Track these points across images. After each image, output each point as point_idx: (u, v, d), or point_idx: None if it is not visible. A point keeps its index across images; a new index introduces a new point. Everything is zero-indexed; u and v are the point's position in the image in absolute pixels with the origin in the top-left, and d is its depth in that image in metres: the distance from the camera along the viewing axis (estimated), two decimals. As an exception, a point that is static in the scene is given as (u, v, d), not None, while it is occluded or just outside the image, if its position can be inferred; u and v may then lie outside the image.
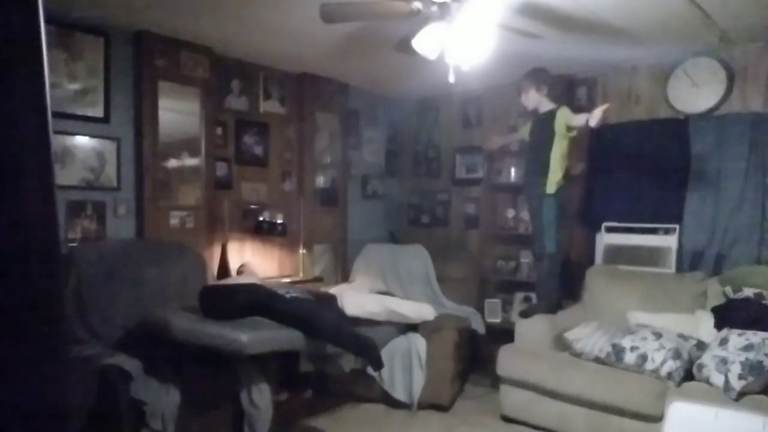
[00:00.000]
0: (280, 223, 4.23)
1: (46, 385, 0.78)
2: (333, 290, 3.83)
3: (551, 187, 3.62)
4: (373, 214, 5.33)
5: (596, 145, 4.25)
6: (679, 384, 2.82)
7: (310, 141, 4.60)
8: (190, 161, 3.83)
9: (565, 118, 3.56)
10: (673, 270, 3.75)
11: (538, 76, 3.75)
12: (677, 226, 3.78)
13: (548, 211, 3.63)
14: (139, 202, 3.59)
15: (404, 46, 2.82)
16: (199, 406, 2.79)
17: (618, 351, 2.99)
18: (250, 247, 4.23)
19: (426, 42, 2.53)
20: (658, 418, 2.74)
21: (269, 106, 4.39)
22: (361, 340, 3.16)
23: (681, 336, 3.09)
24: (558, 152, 3.61)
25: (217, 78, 3.98)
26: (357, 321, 3.43)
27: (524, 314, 3.61)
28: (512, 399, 3.37)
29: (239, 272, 3.84)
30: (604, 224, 4.08)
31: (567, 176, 3.72)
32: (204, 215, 3.89)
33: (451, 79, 2.75)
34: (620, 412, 2.90)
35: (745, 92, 3.63)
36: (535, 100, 3.76)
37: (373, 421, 3.44)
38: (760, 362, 2.62)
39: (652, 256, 3.85)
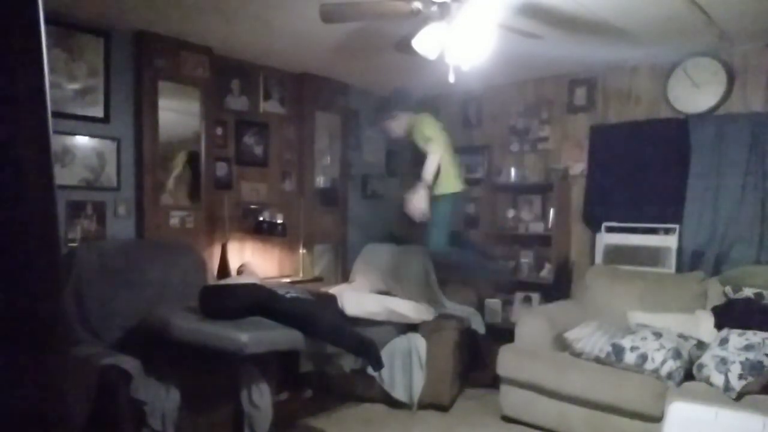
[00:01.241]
0: (280, 223, 4.23)
1: (46, 386, 0.78)
2: (333, 290, 3.83)
3: (439, 188, 3.67)
4: (373, 214, 5.33)
5: (596, 145, 4.25)
6: (679, 384, 2.82)
7: (310, 141, 4.60)
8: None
9: (423, 129, 3.64)
10: (673, 270, 3.75)
11: (407, 98, 3.82)
12: (677, 226, 3.78)
13: (436, 213, 3.68)
14: (139, 202, 3.59)
15: (404, 46, 2.82)
16: (199, 405, 2.79)
17: (618, 351, 2.99)
18: (250, 247, 4.23)
19: (426, 42, 2.53)
20: (658, 418, 2.74)
21: (269, 106, 4.39)
22: (361, 340, 3.16)
23: (681, 336, 3.09)
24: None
25: (217, 78, 3.98)
26: (357, 321, 3.42)
27: None
28: (512, 399, 3.38)
29: (239, 272, 3.84)
30: (604, 224, 4.08)
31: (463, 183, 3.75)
32: (204, 215, 3.89)
33: (451, 79, 2.74)
34: (620, 412, 2.90)
35: (745, 92, 3.63)
36: (404, 124, 3.82)
37: (373, 421, 3.44)
38: (760, 362, 2.62)
39: (652, 256, 3.85)
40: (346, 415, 3.53)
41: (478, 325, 4.31)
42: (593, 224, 4.22)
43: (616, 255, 4.00)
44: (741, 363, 2.63)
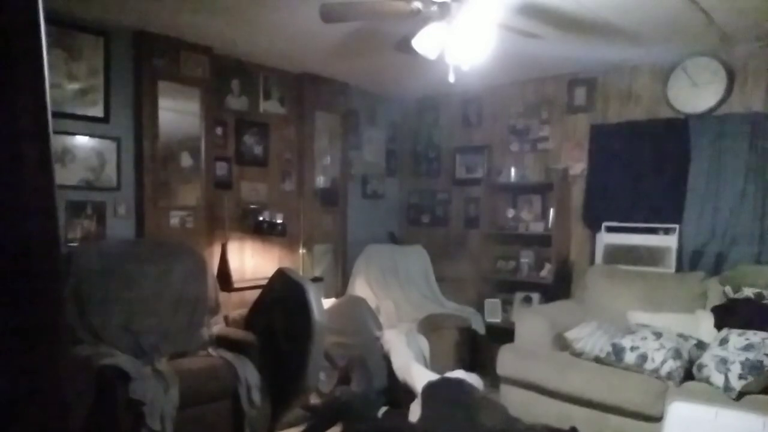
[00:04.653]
0: (280, 223, 4.23)
1: (45, 386, 0.78)
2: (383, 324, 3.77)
3: None
4: (373, 214, 5.33)
5: (596, 145, 4.25)
6: (679, 384, 2.82)
7: (310, 141, 4.59)
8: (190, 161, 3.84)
9: None
10: (673, 270, 3.75)
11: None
12: (677, 226, 3.78)
13: None
14: (139, 202, 3.59)
15: (404, 46, 2.82)
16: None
17: (618, 351, 2.99)
18: (250, 247, 4.23)
19: (426, 42, 2.53)
20: (658, 418, 2.73)
21: (269, 106, 4.39)
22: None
23: (681, 336, 3.09)
24: None
25: (217, 78, 3.98)
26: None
27: None
28: (512, 399, 3.37)
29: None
30: (604, 224, 4.08)
31: None
32: (204, 215, 3.89)
33: (451, 79, 2.75)
34: (620, 412, 2.90)
35: (745, 92, 3.63)
36: None
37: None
38: (760, 362, 2.62)
39: (652, 256, 3.85)
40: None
41: (478, 325, 4.31)
42: (593, 224, 4.22)
43: (616, 255, 3.99)
44: (741, 363, 2.63)
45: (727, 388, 2.61)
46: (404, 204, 5.62)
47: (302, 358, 2.92)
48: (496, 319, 4.48)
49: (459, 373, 3.27)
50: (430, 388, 2.98)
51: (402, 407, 3.19)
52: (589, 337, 3.15)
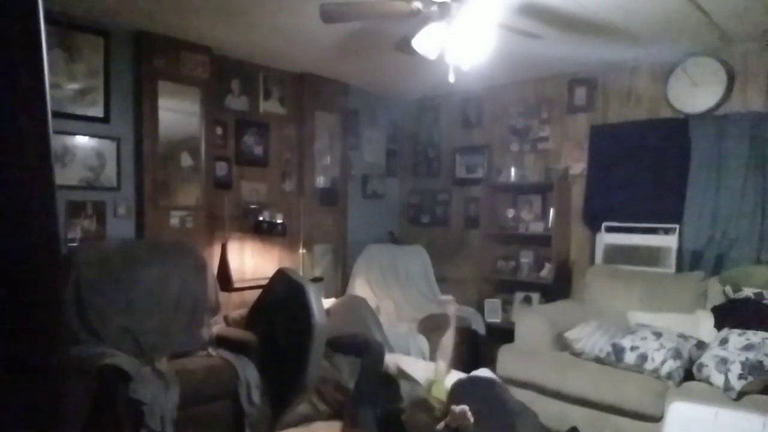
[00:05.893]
0: (280, 223, 4.23)
1: (45, 386, 0.78)
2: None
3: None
4: (373, 214, 5.33)
5: (596, 145, 4.25)
6: (679, 384, 2.82)
7: (310, 141, 4.60)
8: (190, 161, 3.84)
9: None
10: (673, 270, 3.75)
11: None
12: (677, 226, 3.78)
13: None
14: (139, 202, 3.59)
15: (404, 46, 2.82)
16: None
17: (618, 351, 2.99)
18: (250, 247, 4.23)
19: (426, 42, 2.53)
20: (658, 418, 2.74)
21: (269, 106, 4.39)
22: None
23: (681, 336, 3.09)
24: None
25: (217, 78, 3.99)
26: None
27: None
28: (512, 399, 3.37)
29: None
30: (604, 224, 4.08)
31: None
32: (204, 215, 3.89)
33: (451, 79, 2.75)
34: (620, 412, 2.90)
35: (745, 92, 3.63)
36: None
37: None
38: (760, 362, 2.62)
39: (652, 256, 3.85)
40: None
41: (478, 325, 4.31)
42: (593, 224, 4.22)
43: (616, 255, 4.00)
44: (741, 363, 2.63)
45: (727, 388, 2.62)
46: (404, 204, 5.62)
47: (302, 358, 2.92)
48: (496, 319, 4.49)
49: (485, 372, 3.18)
50: (460, 386, 2.89)
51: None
52: (589, 337, 3.16)
